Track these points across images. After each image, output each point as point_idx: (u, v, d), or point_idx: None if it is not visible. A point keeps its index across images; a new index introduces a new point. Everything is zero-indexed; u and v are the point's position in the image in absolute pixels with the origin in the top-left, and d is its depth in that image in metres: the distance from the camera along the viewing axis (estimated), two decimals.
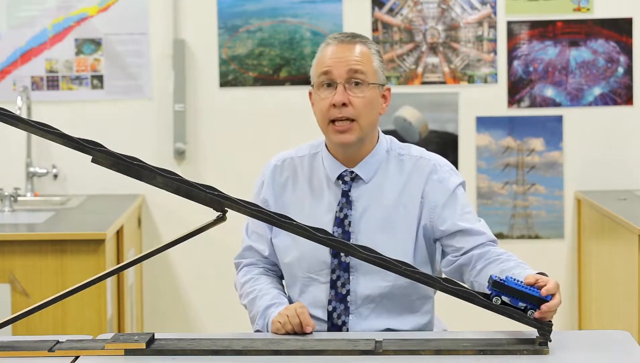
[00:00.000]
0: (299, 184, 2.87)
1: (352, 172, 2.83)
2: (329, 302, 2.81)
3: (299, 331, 2.63)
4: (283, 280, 2.94)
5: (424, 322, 2.85)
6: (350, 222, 2.80)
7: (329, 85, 2.77)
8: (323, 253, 2.79)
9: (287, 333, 2.63)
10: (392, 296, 2.79)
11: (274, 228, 2.86)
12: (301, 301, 2.79)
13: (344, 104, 2.74)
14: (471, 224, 2.79)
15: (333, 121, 2.76)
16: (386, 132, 3.10)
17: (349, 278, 2.80)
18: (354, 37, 2.80)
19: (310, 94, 2.86)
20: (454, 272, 2.80)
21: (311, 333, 2.63)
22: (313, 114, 2.84)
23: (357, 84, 2.76)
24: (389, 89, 2.85)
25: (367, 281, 2.79)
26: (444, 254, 2.84)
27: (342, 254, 2.78)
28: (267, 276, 2.91)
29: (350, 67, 2.75)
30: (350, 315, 2.80)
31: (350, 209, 2.81)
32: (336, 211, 2.81)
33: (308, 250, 2.78)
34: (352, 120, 2.76)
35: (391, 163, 2.85)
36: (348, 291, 2.80)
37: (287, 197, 2.87)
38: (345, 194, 2.82)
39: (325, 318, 2.81)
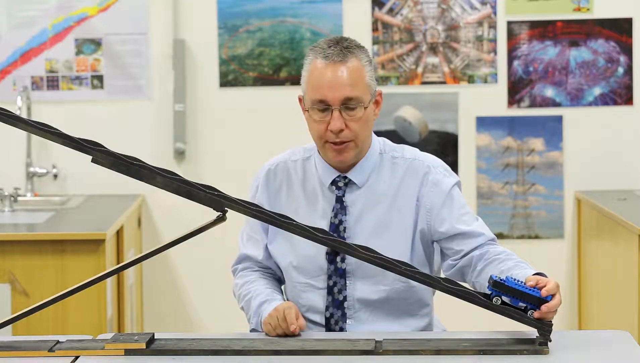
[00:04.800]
0: (293, 189, 2.86)
1: (345, 177, 2.81)
2: (326, 308, 2.80)
3: (289, 333, 2.62)
4: (283, 285, 2.93)
5: (422, 325, 2.83)
6: (345, 228, 2.79)
7: (322, 109, 2.73)
8: (319, 258, 2.78)
9: (279, 336, 2.63)
10: (390, 300, 2.78)
11: (270, 234, 2.86)
12: (297, 306, 2.79)
13: (341, 130, 2.73)
14: (469, 226, 2.78)
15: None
16: (386, 132, 3.09)
17: (345, 284, 2.79)
18: (344, 54, 2.72)
19: (300, 99, 2.82)
20: (456, 275, 2.79)
21: (299, 334, 2.62)
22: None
23: (352, 108, 2.72)
24: (380, 93, 2.80)
25: (363, 286, 2.78)
26: (443, 257, 2.83)
27: (337, 260, 2.78)
28: (263, 278, 2.89)
29: (345, 96, 2.70)
30: (348, 321, 2.79)
31: (345, 214, 2.80)
32: (331, 217, 2.80)
33: (304, 256, 2.78)
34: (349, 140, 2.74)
35: (384, 166, 2.83)
36: (345, 297, 2.79)
37: (282, 201, 2.85)
38: (340, 199, 2.81)
39: (323, 324, 2.80)
